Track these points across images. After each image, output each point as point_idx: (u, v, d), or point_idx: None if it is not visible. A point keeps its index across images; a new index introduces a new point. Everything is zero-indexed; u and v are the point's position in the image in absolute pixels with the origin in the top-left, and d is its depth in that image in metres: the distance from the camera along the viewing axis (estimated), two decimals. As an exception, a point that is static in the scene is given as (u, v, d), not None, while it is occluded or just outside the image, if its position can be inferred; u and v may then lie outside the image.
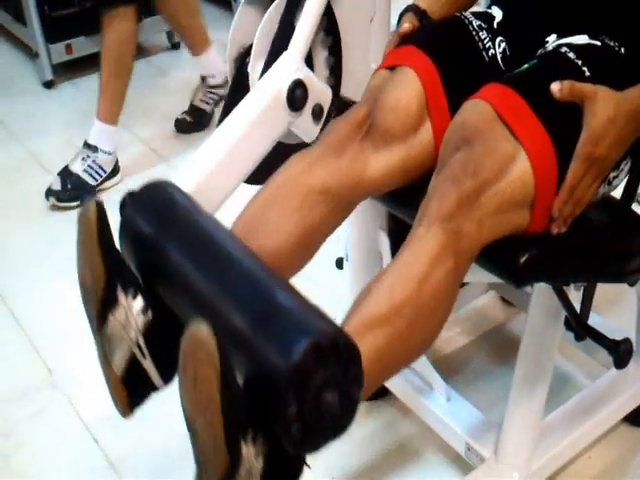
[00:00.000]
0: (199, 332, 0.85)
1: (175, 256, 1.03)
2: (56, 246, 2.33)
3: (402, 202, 1.30)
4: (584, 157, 1.07)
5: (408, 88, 1.25)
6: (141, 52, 3.49)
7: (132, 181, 2.62)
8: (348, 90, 1.52)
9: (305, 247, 1.22)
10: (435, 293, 1.02)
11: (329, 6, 1.43)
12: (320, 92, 1.41)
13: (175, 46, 3.57)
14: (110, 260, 1.06)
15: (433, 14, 1.38)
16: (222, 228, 1.10)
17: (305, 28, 1.38)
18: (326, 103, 1.42)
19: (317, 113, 1.41)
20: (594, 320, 1.51)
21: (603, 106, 1.07)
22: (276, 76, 1.34)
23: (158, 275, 1.07)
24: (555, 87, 1.09)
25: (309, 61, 1.43)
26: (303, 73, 1.36)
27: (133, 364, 1.07)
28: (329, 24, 1.45)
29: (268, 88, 1.34)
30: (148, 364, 1.06)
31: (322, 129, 1.41)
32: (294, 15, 1.38)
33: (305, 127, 1.40)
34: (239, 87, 1.44)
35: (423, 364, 1.57)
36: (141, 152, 2.84)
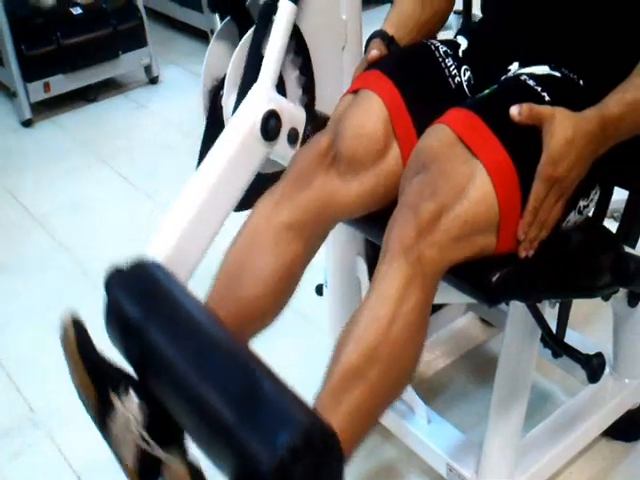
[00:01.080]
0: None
1: (160, 344, 1.07)
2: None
3: (374, 226, 1.31)
4: (545, 178, 1.08)
5: (372, 112, 1.26)
6: (119, 87, 3.54)
7: (113, 216, 2.65)
8: (323, 107, 1.54)
9: (287, 284, 1.25)
10: (405, 330, 1.04)
11: (296, 28, 1.46)
12: (294, 116, 1.43)
13: (153, 81, 3.58)
14: (96, 371, 1.10)
15: (401, 40, 1.40)
16: (205, 310, 1.15)
17: (273, 56, 1.40)
18: (301, 125, 1.44)
19: (293, 137, 1.43)
20: (571, 336, 1.54)
21: (561, 127, 1.08)
22: (248, 110, 1.37)
23: (145, 362, 1.11)
24: (514, 110, 1.10)
25: (281, 84, 1.46)
26: (275, 102, 1.39)
27: (144, 456, 1.09)
28: (298, 46, 1.48)
29: (241, 123, 1.37)
30: (157, 451, 1.07)
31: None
32: (261, 45, 1.41)
33: (282, 152, 1.43)
34: (214, 120, 1.47)
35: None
36: (122, 188, 2.85)
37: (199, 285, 1.24)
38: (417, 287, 1.05)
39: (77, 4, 3.44)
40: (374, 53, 1.36)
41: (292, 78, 1.49)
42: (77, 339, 1.09)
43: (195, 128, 1.65)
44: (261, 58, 1.40)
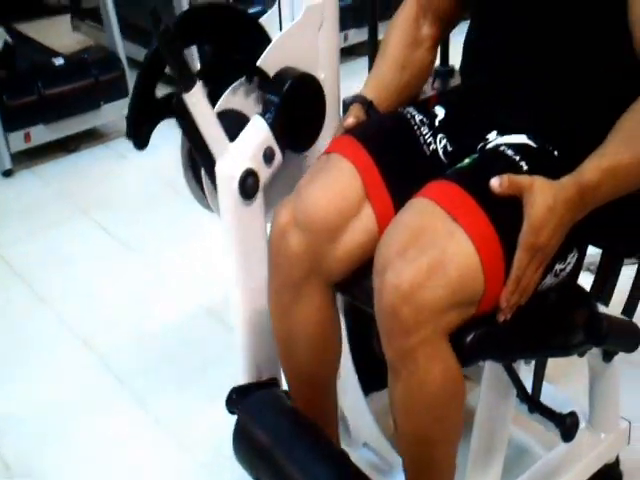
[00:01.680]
0: None
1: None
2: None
3: (350, 285, 1.33)
4: (527, 247, 1.10)
5: (342, 177, 1.29)
6: (100, 137, 3.55)
7: (94, 269, 2.63)
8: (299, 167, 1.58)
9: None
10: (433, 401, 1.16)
11: (259, 70, 1.49)
12: (260, 144, 1.45)
13: (134, 131, 3.59)
14: None
15: (380, 104, 1.44)
16: (323, 436, 1.40)
17: (210, 134, 1.42)
18: (270, 139, 1.46)
19: (269, 156, 1.46)
20: (547, 390, 1.55)
21: (541, 196, 1.10)
22: (224, 190, 1.44)
23: None
24: (495, 182, 1.12)
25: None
26: (252, 161, 1.42)
27: None
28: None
29: (228, 207, 1.45)
30: None
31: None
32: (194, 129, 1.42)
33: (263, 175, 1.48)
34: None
35: (381, 442, 1.59)
36: (103, 240, 2.84)
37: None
38: (429, 364, 1.12)
39: (59, 55, 3.48)
40: (350, 121, 1.39)
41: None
42: None
43: (176, 178, 1.67)
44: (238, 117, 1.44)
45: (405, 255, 1.11)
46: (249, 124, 1.47)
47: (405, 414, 1.18)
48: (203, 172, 1.48)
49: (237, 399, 1.51)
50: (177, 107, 1.39)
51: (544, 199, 1.10)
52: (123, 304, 2.42)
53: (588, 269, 1.66)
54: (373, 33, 2.38)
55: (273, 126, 1.45)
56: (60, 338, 2.29)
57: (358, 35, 4.04)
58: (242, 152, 1.44)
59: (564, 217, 1.11)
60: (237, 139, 1.45)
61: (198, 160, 1.48)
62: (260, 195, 1.47)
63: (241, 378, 1.58)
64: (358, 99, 1.44)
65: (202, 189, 1.53)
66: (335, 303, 1.39)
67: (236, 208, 1.44)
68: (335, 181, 1.29)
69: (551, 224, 1.10)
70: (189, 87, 1.35)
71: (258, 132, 1.46)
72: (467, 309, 1.13)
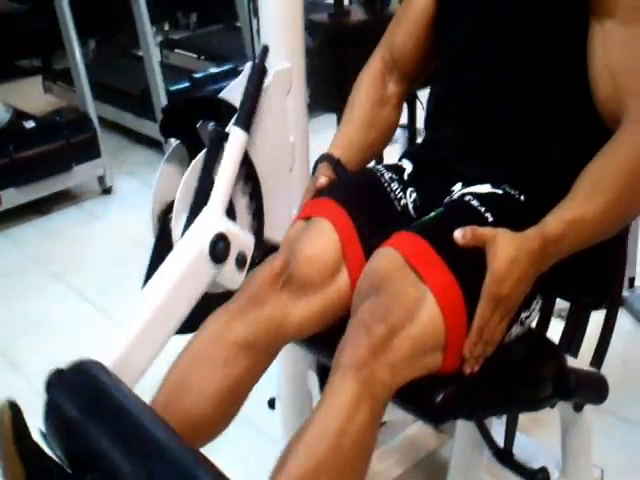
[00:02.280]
0: None
1: (101, 444, 1.06)
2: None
3: (321, 345, 1.34)
4: (490, 298, 1.12)
5: (324, 238, 1.31)
6: (73, 198, 3.55)
7: (69, 335, 2.61)
8: (271, 233, 1.59)
9: (233, 401, 1.27)
10: (355, 445, 1.06)
11: (247, 155, 1.51)
12: (242, 241, 1.47)
13: (107, 191, 3.59)
14: (30, 462, 1.08)
15: (348, 162, 1.46)
16: (148, 411, 1.14)
17: (224, 182, 1.45)
18: (249, 250, 1.48)
19: (241, 261, 1.46)
20: (519, 441, 1.56)
21: (504, 247, 1.12)
22: (197, 232, 1.41)
23: (83, 458, 1.10)
24: (458, 234, 1.15)
25: (231, 209, 1.50)
26: (224, 226, 1.43)
27: None
28: (248, 172, 1.53)
29: (190, 244, 1.40)
30: None
31: (247, 275, 1.45)
32: (213, 169, 1.46)
33: (229, 276, 1.46)
34: (163, 243, 1.49)
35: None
36: (75, 303, 2.81)
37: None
38: (366, 407, 1.07)
39: (30, 117, 3.50)
40: (322, 181, 1.41)
41: (242, 204, 1.55)
42: (13, 424, 1.08)
43: (149, 239, 1.68)
44: (212, 182, 1.45)
45: (379, 294, 1.14)
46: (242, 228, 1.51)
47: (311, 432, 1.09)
48: (173, 225, 1.48)
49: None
50: (216, 133, 1.46)
51: (507, 251, 1.12)
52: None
53: (559, 315, 1.68)
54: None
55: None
56: (32, 404, 2.26)
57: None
58: (230, 225, 1.45)
59: (527, 269, 1.13)
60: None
61: (191, 204, 1.47)
62: (228, 265, 1.45)
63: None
64: (326, 158, 1.47)
65: (165, 242, 1.53)
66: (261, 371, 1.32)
67: (196, 256, 1.41)
68: (318, 243, 1.31)
69: (514, 275, 1.12)
70: (245, 126, 1.42)
71: (247, 236, 1.49)
72: (427, 361, 1.14)
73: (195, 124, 1.52)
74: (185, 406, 1.22)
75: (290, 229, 1.40)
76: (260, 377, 1.30)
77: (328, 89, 2.61)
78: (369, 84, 1.53)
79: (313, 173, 1.48)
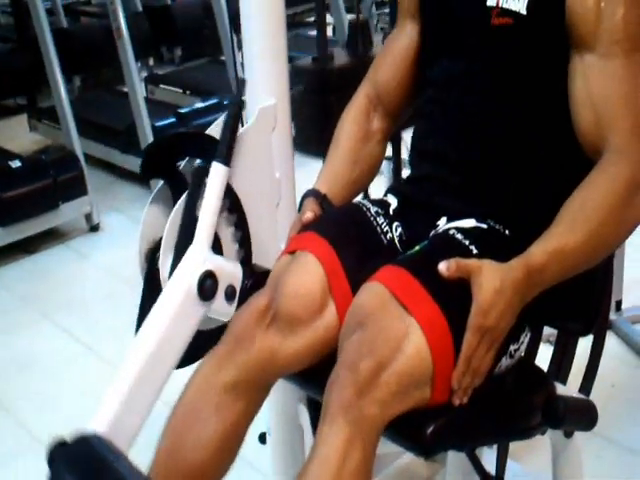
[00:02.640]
0: None
1: None
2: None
3: (312, 383, 1.34)
4: (475, 328, 1.13)
5: (310, 273, 1.31)
6: (60, 236, 3.53)
7: (59, 374, 2.59)
8: (260, 258, 1.60)
9: (231, 445, 1.29)
10: None
11: (230, 187, 1.52)
12: (230, 274, 1.48)
13: (94, 229, 3.57)
14: None
15: (334, 197, 1.47)
16: None
17: (207, 218, 1.45)
18: (238, 282, 1.49)
19: (230, 294, 1.47)
20: (511, 468, 1.56)
21: (489, 278, 1.14)
22: (185, 271, 1.41)
23: None
24: (442, 266, 1.17)
25: (217, 241, 1.51)
26: (210, 263, 1.44)
27: None
28: (232, 204, 1.54)
29: (178, 286, 1.41)
30: None
31: (239, 305, 1.46)
32: (196, 207, 1.47)
33: (220, 310, 1.47)
34: (152, 284, 1.50)
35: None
36: (65, 343, 2.78)
37: (142, 452, 1.24)
38: (359, 447, 1.08)
39: (16, 157, 3.51)
40: (308, 216, 1.42)
41: (227, 235, 1.55)
42: None
43: (137, 276, 1.68)
44: (196, 220, 1.46)
45: (366, 330, 1.14)
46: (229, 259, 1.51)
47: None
48: (161, 264, 1.49)
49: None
50: (197, 171, 1.47)
51: (492, 281, 1.13)
52: (86, 407, 2.39)
53: (548, 340, 1.69)
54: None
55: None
56: (21, 445, 2.25)
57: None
58: (217, 260, 1.46)
59: (512, 299, 1.14)
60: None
61: (176, 241, 1.48)
62: (218, 299, 1.46)
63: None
64: (312, 193, 1.48)
65: (154, 283, 1.53)
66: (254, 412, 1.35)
67: (186, 296, 1.41)
68: (303, 278, 1.31)
69: (499, 306, 1.13)
70: (225, 161, 1.42)
71: (234, 268, 1.49)
72: (416, 394, 1.14)
73: (177, 163, 1.54)
74: (184, 464, 1.24)
75: (276, 264, 1.40)
76: (255, 415, 1.32)
77: (312, 133, 2.65)
78: (354, 120, 1.55)
79: (300, 208, 1.49)
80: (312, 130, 2.83)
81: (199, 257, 1.43)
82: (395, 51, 1.53)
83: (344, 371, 1.13)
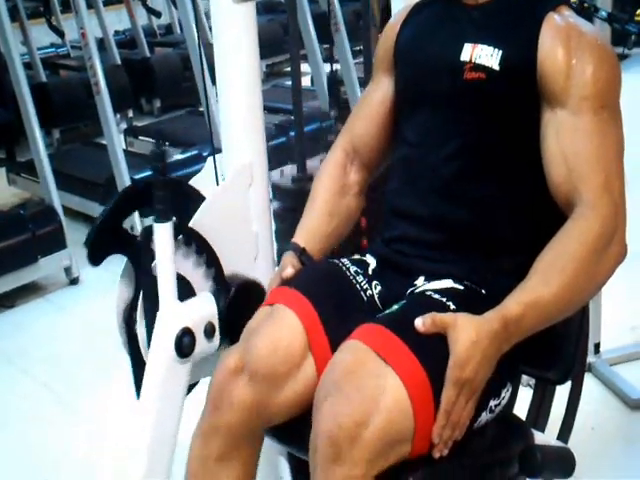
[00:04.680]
0: None
1: None
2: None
3: (291, 437, 1.36)
4: (454, 381, 1.15)
5: (287, 326, 1.33)
6: (39, 290, 3.51)
7: (39, 433, 2.55)
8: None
9: None
10: None
11: (193, 231, 1.54)
12: (205, 315, 1.50)
13: (74, 282, 3.54)
14: None
15: (312, 250, 1.50)
16: None
17: (165, 274, 1.46)
18: (214, 315, 1.51)
19: (209, 331, 1.50)
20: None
21: (464, 331, 1.16)
22: (159, 344, 1.46)
23: None
24: (418, 322, 1.19)
25: (187, 286, 1.53)
26: (181, 320, 1.46)
27: None
28: (197, 246, 1.56)
29: (158, 355, 1.46)
30: None
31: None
32: (150, 269, 1.48)
33: (205, 351, 1.51)
34: (133, 347, 1.54)
35: None
36: (44, 399, 2.74)
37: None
38: None
39: (-7, 211, 3.51)
40: (288, 272, 1.43)
41: (198, 274, 1.57)
42: None
43: (114, 329, 1.69)
44: (155, 280, 1.47)
45: (342, 391, 1.15)
46: (199, 296, 1.53)
47: None
48: (138, 325, 1.50)
49: None
50: (143, 237, 1.47)
51: (467, 334, 1.15)
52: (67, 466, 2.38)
53: (528, 384, 1.70)
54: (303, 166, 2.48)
55: (220, 314, 1.53)
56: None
57: (294, 170, 4.15)
58: (187, 311, 1.48)
59: (488, 350, 1.16)
60: (185, 301, 1.50)
61: (141, 305, 1.50)
62: (189, 362, 1.49)
63: None
64: (291, 247, 1.50)
65: (136, 346, 1.55)
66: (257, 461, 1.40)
67: (167, 360, 1.45)
68: (280, 331, 1.33)
69: (476, 358, 1.15)
70: (166, 218, 1.42)
71: (206, 305, 1.52)
72: (399, 449, 1.16)
73: (124, 234, 1.57)
74: None
75: (254, 317, 1.42)
76: (257, 462, 1.39)
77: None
78: (330, 174, 1.58)
79: (279, 262, 1.51)
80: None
81: (168, 321, 1.46)
82: (370, 103, 1.56)
83: (323, 444, 1.14)
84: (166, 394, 1.44)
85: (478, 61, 1.34)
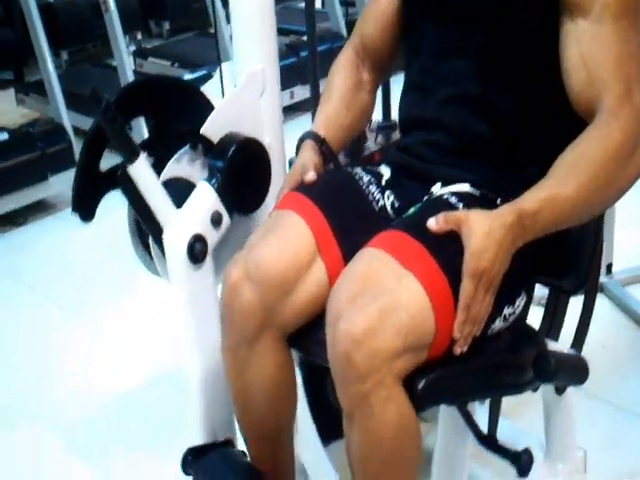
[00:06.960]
0: None
1: None
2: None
3: (303, 338, 1.36)
4: (471, 273, 1.14)
5: (293, 231, 1.33)
6: (49, 208, 3.52)
7: (42, 341, 2.59)
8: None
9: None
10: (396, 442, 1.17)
11: (197, 133, 1.52)
12: (208, 208, 1.49)
13: (84, 199, 3.55)
14: None
15: (330, 141, 1.49)
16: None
17: (156, 204, 1.48)
18: (218, 204, 1.50)
19: (217, 220, 1.49)
20: (503, 425, 1.57)
21: (477, 224, 1.15)
22: (174, 259, 1.49)
23: None
24: (431, 222, 1.18)
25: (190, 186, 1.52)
26: (190, 229, 1.46)
27: None
28: (205, 149, 1.54)
29: (179, 275, 1.49)
30: None
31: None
32: (141, 202, 1.48)
33: (220, 237, 1.52)
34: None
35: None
36: (52, 314, 2.77)
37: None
38: (392, 406, 1.14)
39: (3, 129, 3.47)
40: (310, 176, 1.41)
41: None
42: None
43: (125, 246, 1.69)
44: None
45: (356, 303, 1.14)
46: (195, 190, 1.50)
47: (362, 460, 1.20)
48: (151, 240, 1.50)
49: (192, 460, 1.50)
50: (122, 179, 1.44)
51: (481, 226, 1.14)
52: (75, 373, 2.41)
53: (539, 303, 1.70)
54: (315, 91, 2.44)
55: (219, 191, 1.48)
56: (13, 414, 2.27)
57: (304, 91, 4.10)
58: (189, 218, 1.48)
59: (503, 241, 1.15)
60: (184, 206, 1.48)
61: (146, 229, 1.50)
62: (209, 258, 1.49)
63: (196, 440, 1.58)
64: (311, 136, 1.49)
65: (150, 256, 1.55)
66: (290, 356, 1.41)
67: (186, 273, 1.47)
68: (287, 236, 1.32)
69: (491, 248, 1.14)
70: (132, 159, 1.39)
71: (204, 198, 1.49)
72: (420, 352, 1.16)
73: (162, 104, 1.54)
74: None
75: (262, 224, 1.42)
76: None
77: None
78: (344, 70, 1.57)
79: (297, 151, 1.50)
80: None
81: (175, 239, 1.47)
82: (379, 6, 1.53)
83: (342, 365, 1.14)
84: (194, 299, 1.49)
85: None
